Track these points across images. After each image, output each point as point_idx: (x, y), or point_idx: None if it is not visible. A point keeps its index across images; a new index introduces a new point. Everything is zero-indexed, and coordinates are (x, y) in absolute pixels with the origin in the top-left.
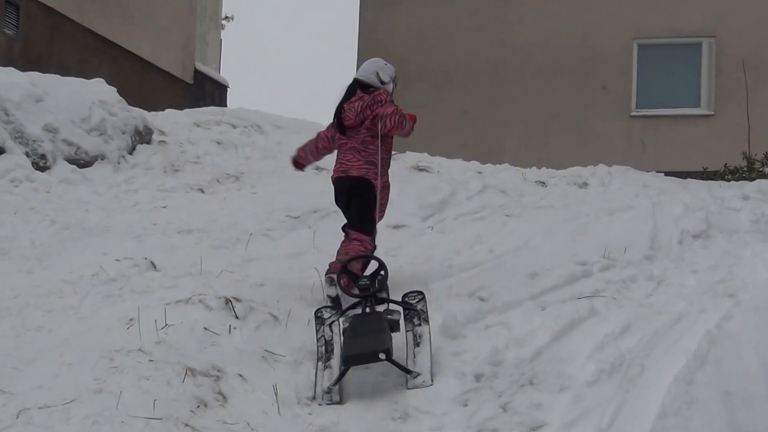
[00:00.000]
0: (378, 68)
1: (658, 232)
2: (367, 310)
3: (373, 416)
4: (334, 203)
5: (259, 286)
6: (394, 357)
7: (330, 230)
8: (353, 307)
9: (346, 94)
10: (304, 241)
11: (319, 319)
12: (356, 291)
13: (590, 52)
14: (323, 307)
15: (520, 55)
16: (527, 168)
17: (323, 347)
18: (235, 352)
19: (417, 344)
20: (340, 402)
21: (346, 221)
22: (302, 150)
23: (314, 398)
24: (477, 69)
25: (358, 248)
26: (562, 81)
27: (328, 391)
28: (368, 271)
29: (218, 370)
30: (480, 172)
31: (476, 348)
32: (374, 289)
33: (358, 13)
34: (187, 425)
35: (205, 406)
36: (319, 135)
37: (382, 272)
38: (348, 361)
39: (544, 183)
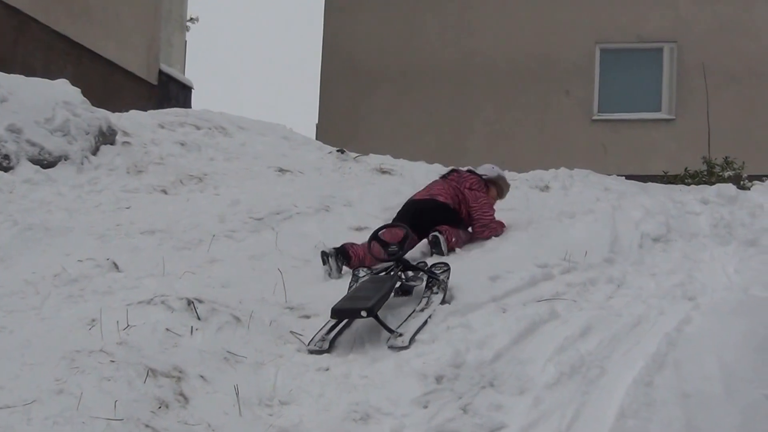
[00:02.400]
0: (498, 172)
1: (619, 236)
2: (387, 274)
3: (334, 417)
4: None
5: (221, 287)
6: (397, 312)
7: (292, 232)
8: (385, 269)
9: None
10: (266, 242)
11: (354, 277)
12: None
13: (553, 56)
14: (361, 267)
15: (483, 59)
16: None
17: None
18: (196, 353)
19: (422, 309)
20: (328, 351)
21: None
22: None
23: (308, 345)
24: (440, 72)
25: (455, 232)
26: (524, 85)
27: (322, 339)
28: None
29: (180, 371)
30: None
31: (437, 350)
32: (401, 253)
33: (322, 16)
34: (148, 426)
35: (167, 407)
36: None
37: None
38: (333, 314)
39: None
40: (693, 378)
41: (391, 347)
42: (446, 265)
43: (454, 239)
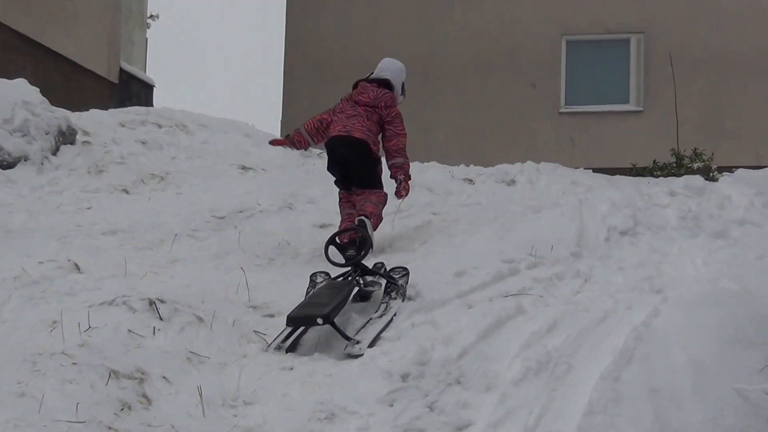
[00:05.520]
0: (403, 79)
1: (585, 230)
2: (343, 279)
3: (299, 417)
4: (327, 170)
5: (183, 287)
6: (356, 319)
7: (255, 230)
8: (343, 275)
9: (372, 79)
10: (229, 241)
11: (312, 282)
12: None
13: (518, 48)
14: (318, 272)
15: (448, 51)
16: (455, 166)
17: None
18: (159, 354)
19: (380, 316)
20: (287, 352)
21: (337, 182)
22: (299, 134)
23: (267, 348)
24: (405, 64)
25: (374, 204)
26: (490, 77)
27: (278, 348)
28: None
29: (142, 373)
30: None
31: (403, 347)
32: (359, 258)
33: (284, 10)
34: (110, 428)
35: (129, 408)
36: (314, 121)
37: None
38: (289, 322)
39: (471, 181)
40: (661, 372)
41: (348, 355)
42: (405, 269)
43: (374, 219)
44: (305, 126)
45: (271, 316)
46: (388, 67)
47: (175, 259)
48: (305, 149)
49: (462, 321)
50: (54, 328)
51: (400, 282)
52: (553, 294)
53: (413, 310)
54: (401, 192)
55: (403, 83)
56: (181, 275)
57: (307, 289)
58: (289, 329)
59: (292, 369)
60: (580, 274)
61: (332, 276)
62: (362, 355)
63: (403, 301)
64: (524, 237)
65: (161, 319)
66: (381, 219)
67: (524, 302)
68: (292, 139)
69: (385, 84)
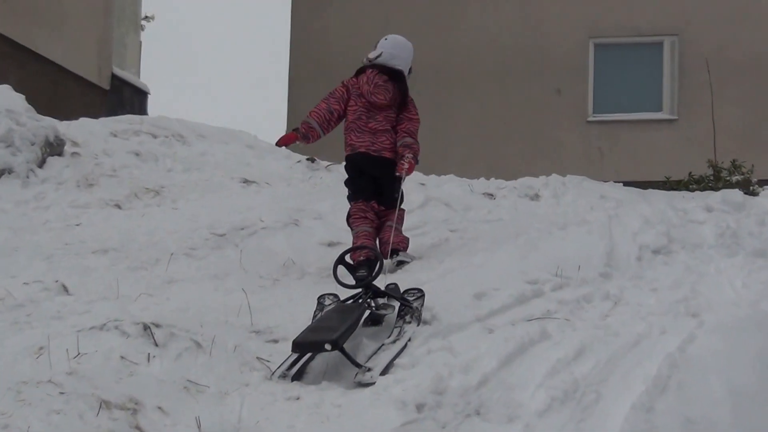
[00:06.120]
0: (412, 61)
1: (615, 248)
2: (355, 302)
3: None
4: (348, 172)
5: (180, 310)
6: (367, 344)
7: (258, 248)
8: (353, 297)
9: (385, 71)
10: (229, 260)
11: (319, 305)
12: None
13: (542, 52)
14: (327, 294)
15: (465, 56)
16: (474, 179)
17: None
18: (154, 383)
19: (393, 341)
20: (293, 380)
21: (358, 194)
22: (309, 126)
23: (271, 376)
24: (418, 71)
25: (400, 231)
26: (511, 84)
27: (284, 376)
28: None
29: (136, 403)
30: (422, 184)
31: (418, 375)
32: (371, 279)
33: (290, 12)
34: None
35: None
36: (323, 111)
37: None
38: (294, 348)
39: (492, 195)
40: (698, 402)
41: (358, 383)
42: (420, 290)
43: (404, 245)
44: (314, 116)
45: (276, 341)
46: (399, 54)
47: (171, 280)
48: (316, 140)
49: (482, 347)
50: (40, 355)
51: (415, 305)
52: (580, 317)
53: (429, 335)
54: (403, 165)
55: (410, 66)
56: (178, 297)
57: (315, 312)
58: (295, 355)
59: (298, 399)
60: (609, 296)
61: (341, 298)
62: (374, 383)
63: (418, 325)
64: (549, 256)
65: (156, 344)
66: (407, 241)
67: (549, 326)
68: (301, 131)
69: (397, 75)
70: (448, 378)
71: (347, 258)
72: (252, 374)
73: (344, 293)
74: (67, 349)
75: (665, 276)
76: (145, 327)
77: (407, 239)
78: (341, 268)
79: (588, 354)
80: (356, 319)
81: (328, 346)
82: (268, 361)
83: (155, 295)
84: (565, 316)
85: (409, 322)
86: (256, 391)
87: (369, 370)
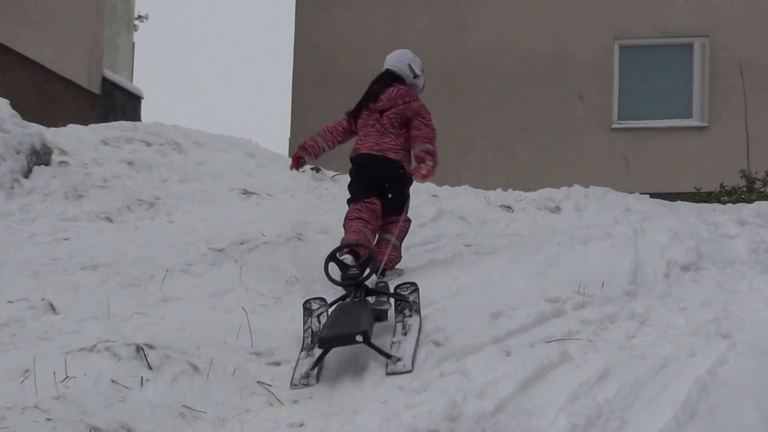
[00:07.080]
0: (409, 60)
1: (641, 264)
2: (356, 299)
3: None
4: (351, 175)
5: (176, 330)
6: (377, 343)
7: (259, 264)
8: (342, 298)
9: (377, 80)
10: (229, 277)
11: (307, 310)
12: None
13: (563, 55)
14: (312, 299)
15: (482, 60)
16: (490, 190)
17: (309, 338)
18: (147, 409)
19: (404, 334)
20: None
21: (357, 195)
22: (311, 139)
23: (291, 384)
24: (431, 76)
25: (397, 248)
26: (531, 89)
27: (306, 375)
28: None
29: (127, 430)
30: (435, 196)
31: (430, 400)
32: (362, 278)
33: (294, 13)
34: None
35: None
36: (329, 126)
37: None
38: (323, 343)
39: (509, 208)
40: (729, 429)
41: (391, 373)
42: (413, 284)
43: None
44: (319, 130)
45: (277, 364)
46: (388, 60)
47: (166, 298)
48: (320, 153)
49: (498, 370)
50: (26, 378)
51: (411, 298)
52: (603, 338)
53: (442, 358)
54: (421, 169)
55: (410, 65)
56: (173, 317)
57: (304, 318)
58: (312, 358)
59: (301, 425)
60: (635, 315)
61: (329, 301)
62: (410, 370)
63: (418, 316)
64: (570, 273)
65: (150, 367)
66: (400, 258)
67: (570, 348)
68: (304, 146)
69: (391, 77)
70: (462, 403)
71: (338, 255)
72: (252, 399)
73: (330, 296)
74: (54, 372)
75: (695, 294)
76: (138, 348)
77: (398, 258)
78: (332, 265)
79: (612, 378)
80: (370, 312)
81: (359, 338)
82: (269, 386)
83: (149, 315)
84: (587, 337)
85: (410, 316)
86: (256, 417)
87: (399, 359)
